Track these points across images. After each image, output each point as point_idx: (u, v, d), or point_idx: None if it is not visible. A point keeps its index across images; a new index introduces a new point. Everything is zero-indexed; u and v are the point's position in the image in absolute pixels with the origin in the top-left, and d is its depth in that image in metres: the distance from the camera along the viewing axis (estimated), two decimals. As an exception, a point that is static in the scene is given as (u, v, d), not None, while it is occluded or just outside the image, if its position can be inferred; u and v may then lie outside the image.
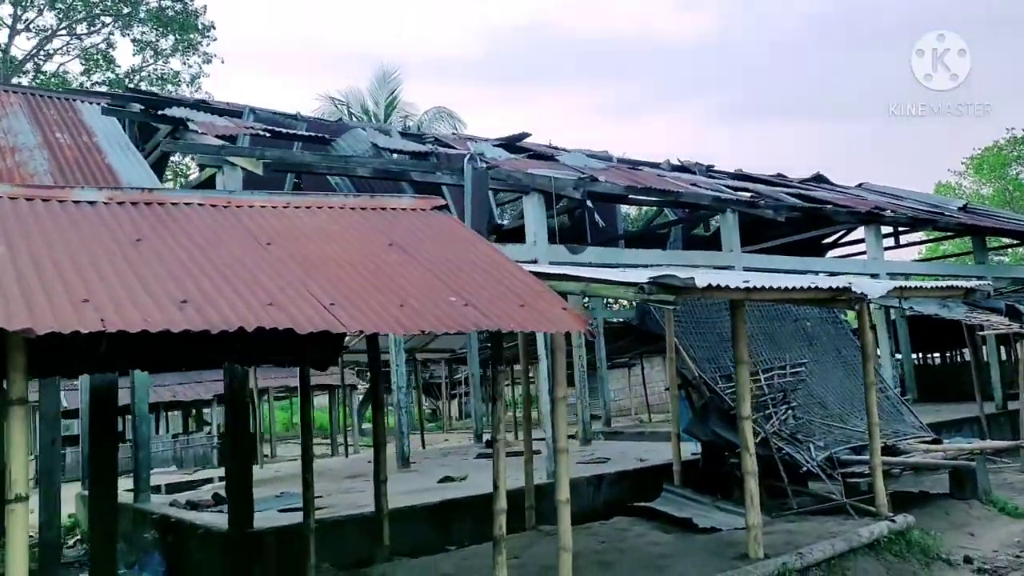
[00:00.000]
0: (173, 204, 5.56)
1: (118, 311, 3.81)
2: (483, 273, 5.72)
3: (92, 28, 35.21)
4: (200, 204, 5.66)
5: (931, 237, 22.09)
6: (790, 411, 11.08)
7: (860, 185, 22.28)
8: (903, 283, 7.26)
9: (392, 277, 5.24)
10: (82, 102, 9.78)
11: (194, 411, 31.96)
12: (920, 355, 25.48)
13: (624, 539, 8.70)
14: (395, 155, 10.18)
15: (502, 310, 5.08)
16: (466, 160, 9.38)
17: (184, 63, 35.43)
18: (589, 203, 10.40)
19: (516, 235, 12.91)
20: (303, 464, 7.48)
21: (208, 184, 8.50)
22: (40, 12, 33.58)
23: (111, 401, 7.35)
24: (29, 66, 33.74)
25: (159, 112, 9.46)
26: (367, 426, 40.38)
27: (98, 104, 9.36)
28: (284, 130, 10.42)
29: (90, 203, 5.28)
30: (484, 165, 9.42)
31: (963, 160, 43.82)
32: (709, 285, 5.42)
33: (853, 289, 6.62)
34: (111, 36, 34.77)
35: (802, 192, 16.14)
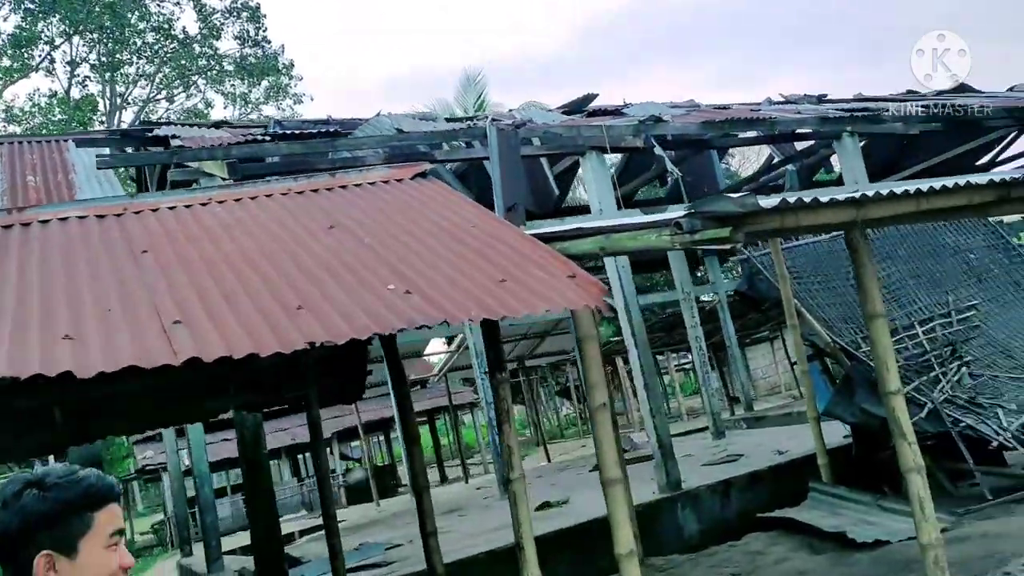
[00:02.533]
0: (42, 222, 4.23)
1: None
2: (460, 246, 4.01)
3: (187, 91, 36.22)
4: (81, 216, 4.30)
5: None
6: (963, 369, 8.62)
7: (1012, 88, 18.74)
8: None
9: (308, 271, 3.63)
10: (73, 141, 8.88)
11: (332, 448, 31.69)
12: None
13: (759, 567, 6.67)
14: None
15: (466, 292, 3.34)
16: (488, 123, 7.68)
17: (277, 108, 35.86)
18: (659, 151, 8.41)
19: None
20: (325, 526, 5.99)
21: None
22: (135, 84, 34.85)
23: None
24: (132, 136, 34.95)
25: (147, 135, 8.36)
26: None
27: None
28: (292, 131, 9.09)
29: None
30: (512, 125, 7.69)
31: None
32: (785, 204, 3.45)
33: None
34: (206, 95, 35.77)
35: (940, 102, 13.31)
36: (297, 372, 6.10)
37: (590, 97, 13.00)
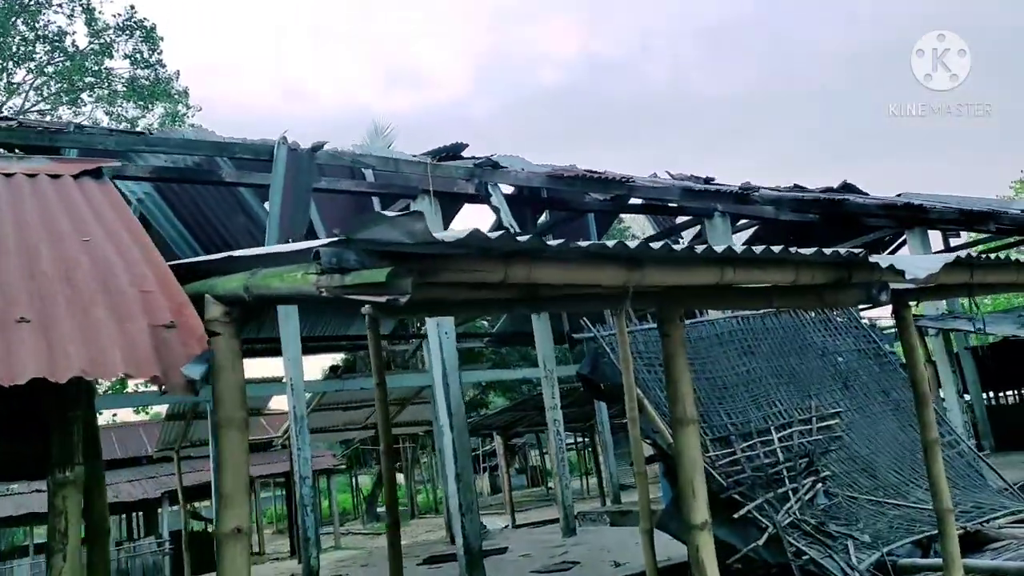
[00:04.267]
0: None
1: None
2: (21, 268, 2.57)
3: (74, 107, 33.96)
4: None
5: (992, 246, 18.37)
6: (819, 485, 7.56)
7: (899, 195, 18.84)
8: (969, 252, 3.88)
9: None
10: None
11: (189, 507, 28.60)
12: (991, 393, 21.39)
13: None
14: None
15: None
16: (278, 142, 6.35)
17: (173, 136, 33.74)
18: (496, 201, 7.23)
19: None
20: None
21: None
22: (14, 93, 32.47)
23: None
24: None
25: None
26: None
27: None
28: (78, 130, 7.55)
29: None
30: (310, 148, 6.37)
31: (1023, 170, 39.41)
32: (490, 243, 2.17)
33: (878, 263, 3.32)
34: (93, 115, 33.56)
35: (822, 197, 12.80)
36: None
37: (461, 146, 11.87)
